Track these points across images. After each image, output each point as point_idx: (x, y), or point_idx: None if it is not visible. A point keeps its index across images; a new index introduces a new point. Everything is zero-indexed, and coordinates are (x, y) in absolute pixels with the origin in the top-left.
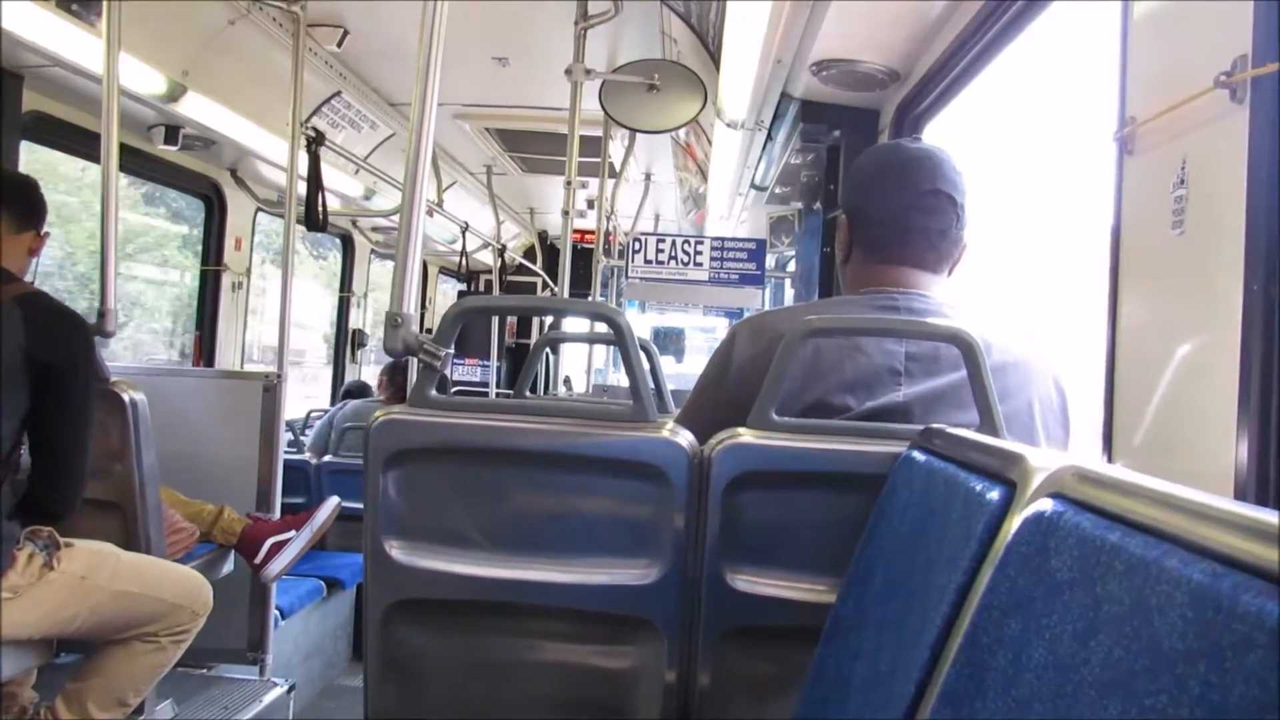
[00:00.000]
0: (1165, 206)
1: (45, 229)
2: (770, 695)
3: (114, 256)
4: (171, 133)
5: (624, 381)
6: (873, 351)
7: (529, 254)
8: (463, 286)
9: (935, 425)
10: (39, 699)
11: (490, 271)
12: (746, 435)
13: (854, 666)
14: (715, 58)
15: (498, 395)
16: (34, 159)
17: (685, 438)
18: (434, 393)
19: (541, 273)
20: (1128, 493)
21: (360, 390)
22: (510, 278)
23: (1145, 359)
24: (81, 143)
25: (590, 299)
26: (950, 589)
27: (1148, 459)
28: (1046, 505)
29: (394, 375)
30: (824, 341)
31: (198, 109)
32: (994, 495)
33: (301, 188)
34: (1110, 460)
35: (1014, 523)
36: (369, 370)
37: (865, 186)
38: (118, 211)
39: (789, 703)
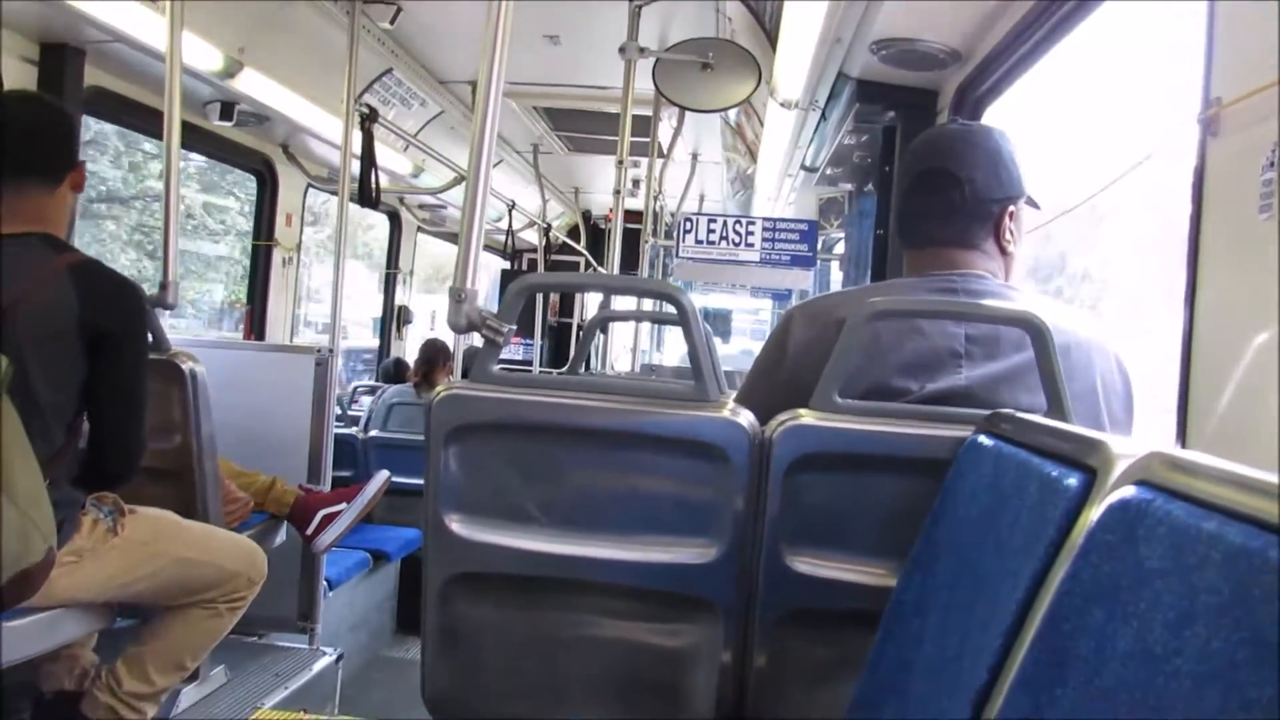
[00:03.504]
0: (1253, 190)
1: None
2: (827, 678)
3: (175, 231)
4: (227, 109)
5: (668, 362)
6: (932, 333)
7: (572, 233)
8: (506, 265)
9: (1003, 410)
10: (99, 661)
11: (533, 250)
12: (808, 417)
13: (916, 651)
14: (771, 36)
15: (540, 373)
16: None
17: (746, 418)
18: (495, 368)
19: (585, 252)
20: (1224, 481)
21: (398, 372)
22: (553, 257)
23: (1224, 346)
24: (140, 117)
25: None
26: (1025, 575)
27: (1223, 448)
28: (1131, 492)
29: (429, 356)
30: (882, 324)
31: (253, 85)
32: (1072, 482)
33: (354, 165)
34: (1184, 448)
35: (1095, 510)
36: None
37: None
38: (179, 187)
39: (846, 686)
